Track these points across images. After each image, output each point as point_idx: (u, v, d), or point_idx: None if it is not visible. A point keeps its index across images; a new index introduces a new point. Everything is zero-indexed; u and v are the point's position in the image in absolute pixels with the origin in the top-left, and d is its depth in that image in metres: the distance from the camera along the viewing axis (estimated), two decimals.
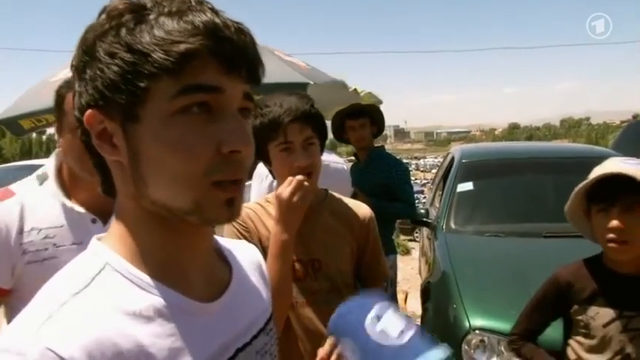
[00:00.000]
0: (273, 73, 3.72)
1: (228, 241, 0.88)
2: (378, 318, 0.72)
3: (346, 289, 1.65)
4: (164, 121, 0.63)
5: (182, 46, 0.61)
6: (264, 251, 1.58)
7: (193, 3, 0.64)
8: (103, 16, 0.65)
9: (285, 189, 1.47)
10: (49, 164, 1.60)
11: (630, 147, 6.46)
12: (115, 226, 0.71)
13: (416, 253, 7.97)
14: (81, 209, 1.53)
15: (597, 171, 1.58)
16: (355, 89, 4.23)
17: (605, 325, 1.53)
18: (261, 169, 1.71)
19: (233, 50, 0.64)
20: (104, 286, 0.64)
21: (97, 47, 0.64)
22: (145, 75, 0.61)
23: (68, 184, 1.56)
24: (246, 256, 0.89)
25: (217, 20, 0.63)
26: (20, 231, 1.45)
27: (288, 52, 4.67)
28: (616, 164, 1.56)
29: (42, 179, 1.59)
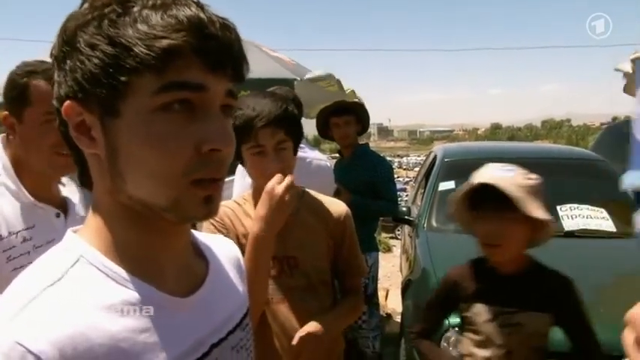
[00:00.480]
0: (259, 68, 3.72)
1: (205, 235, 0.88)
2: None
3: (322, 286, 1.67)
4: (144, 117, 0.62)
5: (165, 42, 0.59)
6: (241, 249, 1.58)
7: None
8: (86, 5, 0.64)
9: (278, 186, 1.46)
10: None
11: (609, 149, 6.57)
12: (91, 219, 0.70)
13: (397, 250, 8.02)
14: (45, 205, 1.48)
15: (475, 177, 1.68)
16: (339, 81, 4.24)
17: (488, 322, 1.64)
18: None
19: (218, 48, 0.63)
20: (77, 279, 0.63)
21: (77, 37, 0.62)
22: (127, 69, 0.60)
23: (25, 180, 1.46)
24: (223, 250, 0.89)
25: (202, 15, 0.62)
26: (0, 237, 1.37)
27: (273, 48, 4.67)
28: (491, 172, 1.65)
29: None
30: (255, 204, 1.67)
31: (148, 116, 0.62)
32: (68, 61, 0.63)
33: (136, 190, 0.65)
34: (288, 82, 3.67)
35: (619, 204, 3.70)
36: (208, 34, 0.62)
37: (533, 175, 1.66)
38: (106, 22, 0.61)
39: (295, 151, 1.64)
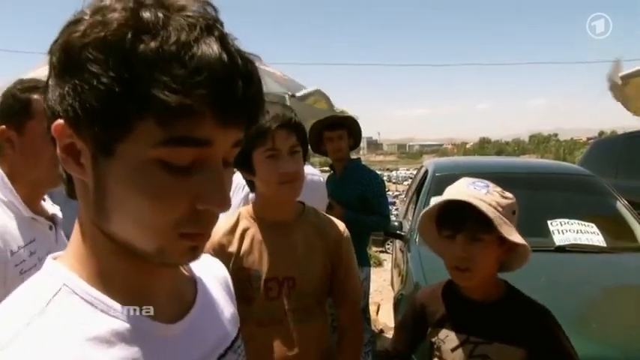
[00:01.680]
0: None
1: None
2: None
3: (318, 307, 1.64)
4: (142, 165, 0.57)
5: (181, 98, 0.53)
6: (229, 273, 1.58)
7: (201, 29, 0.56)
8: (98, 18, 0.56)
9: None
10: None
11: (597, 163, 6.64)
12: (73, 245, 0.66)
13: (388, 264, 8.00)
14: (40, 218, 1.50)
15: (446, 193, 1.54)
16: (327, 97, 4.27)
17: (453, 350, 1.50)
18: (238, 179, 1.69)
19: (237, 103, 0.57)
20: (61, 310, 0.59)
21: (82, 56, 0.55)
22: (132, 113, 0.55)
23: (20, 194, 1.46)
24: (211, 271, 0.86)
25: (226, 60, 0.55)
26: (12, 253, 1.38)
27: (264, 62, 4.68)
28: (464, 188, 1.50)
29: None
30: (258, 215, 1.66)
31: (145, 165, 0.57)
32: (67, 78, 0.57)
33: (120, 232, 0.61)
34: (279, 97, 3.68)
35: (609, 219, 3.73)
36: (229, 88, 0.56)
37: (508, 194, 1.50)
38: (118, 52, 0.54)
39: (304, 160, 1.63)
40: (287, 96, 3.91)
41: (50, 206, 1.62)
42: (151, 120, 0.55)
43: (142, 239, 0.61)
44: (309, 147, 3.93)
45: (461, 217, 1.46)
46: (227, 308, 0.84)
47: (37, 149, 1.43)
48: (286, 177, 1.53)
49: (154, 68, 0.53)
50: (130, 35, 0.54)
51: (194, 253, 0.64)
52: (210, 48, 0.55)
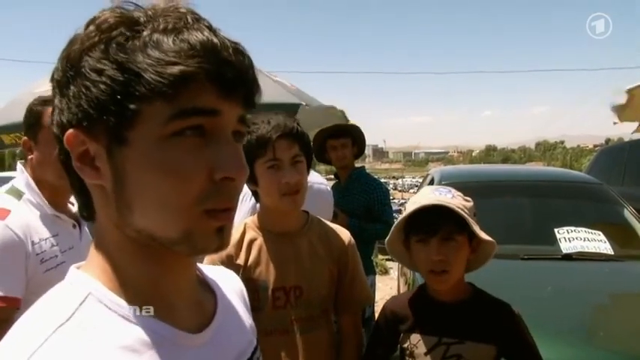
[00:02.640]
0: (265, 93, 3.74)
1: (209, 268, 0.85)
2: None
3: (323, 316, 1.65)
4: (156, 144, 0.59)
5: (177, 68, 0.56)
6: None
7: (190, 20, 0.60)
8: (92, 27, 0.60)
9: None
10: (19, 180, 1.72)
11: (605, 171, 6.61)
12: (95, 255, 0.66)
13: (394, 272, 7.97)
14: (64, 216, 1.72)
15: (414, 201, 1.58)
16: (343, 112, 4.29)
17: (427, 353, 1.53)
18: (244, 189, 1.70)
19: (232, 73, 0.60)
20: (88, 318, 0.60)
21: (83, 62, 0.59)
22: (137, 97, 0.57)
23: (45, 195, 1.68)
24: (228, 283, 0.86)
25: (216, 40, 0.59)
26: (33, 243, 1.57)
27: (267, 69, 4.70)
28: (430, 195, 1.56)
29: (17, 195, 1.68)
30: (263, 226, 1.67)
31: (159, 144, 0.59)
32: (72, 87, 0.60)
33: (144, 222, 0.61)
34: (293, 107, 3.68)
35: (616, 226, 3.70)
36: (222, 59, 0.59)
37: (468, 198, 1.58)
38: (113, 47, 0.58)
39: (308, 170, 1.63)
40: (301, 106, 3.91)
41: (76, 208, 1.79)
42: (156, 99, 0.57)
43: (167, 224, 0.61)
44: (314, 156, 3.95)
45: (433, 221, 1.51)
46: (246, 318, 0.85)
47: (48, 155, 1.63)
48: (288, 187, 1.53)
49: (148, 50, 0.57)
50: (123, 28, 0.58)
51: (221, 238, 0.64)
52: (200, 32, 0.59)
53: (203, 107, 0.59)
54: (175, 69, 0.56)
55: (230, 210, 0.64)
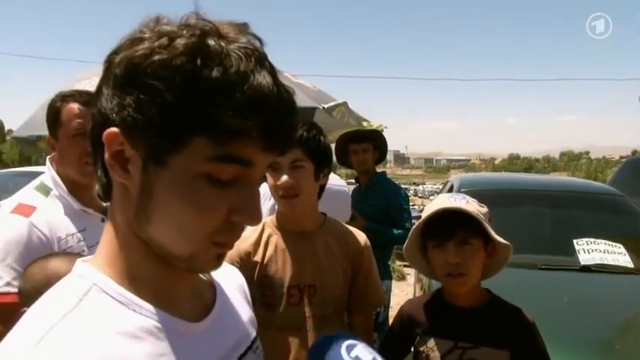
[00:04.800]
0: None
1: None
2: (352, 347, 0.78)
3: (336, 315, 1.68)
4: (192, 177, 0.62)
5: (237, 122, 0.59)
6: (254, 280, 1.63)
7: (255, 61, 0.62)
8: (164, 41, 0.60)
9: None
10: (46, 176, 1.72)
11: (628, 183, 6.49)
12: (103, 248, 0.70)
13: (411, 279, 7.96)
14: (91, 210, 1.72)
15: (430, 208, 1.62)
16: (349, 109, 4.31)
17: (443, 357, 1.56)
18: (265, 188, 1.75)
19: (282, 132, 0.64)
20: (92, 307, 0.63)
21: (146, 72, 0.60)
22: (189, 129, 0.60)
23: (72, 190, 1.69)
24: (228, 276, 0.90)
25: (275, 90, 0.62)
26: (59, 239, 1.58)
27: (291, 72, 4.74)
28: (446, 201, 1.60)
29: (45, 191, 1.70)
30: (280, 225, 1.71)
31: (194, 177, 0.62)
32: (128, 90, 0.61)
33: (157, 235, 0.65)
34: (308, 110, 3.71)
35: (637, 239, 3.66)
36: (279, 120, 0.63)
37: (483, 204, 1.62)
38: (184, 73, 0.59)
39: (317, 175, 1.65)
40: (318, 109, 3.94)
41: None
42: (205, 137, 0.60)
43: (178, 244, 0.65)
44: (335, 159, 3.98)
45: (449, 226, 1.55)
46: (245, 311, 0.89)
47: (66, 150, 1.65)
48: (282, 190, 1.58)
49: (216, 92, 0.59)
50: (199, 60, 0.59)
51: (218, 262, 0.70)
52: (265, 79, 0.61)
53: (244, 158, 0.63)
54: (236, 122, 0.59)
55: (232, 244, 0.70)
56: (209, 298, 0.80)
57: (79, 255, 1.39)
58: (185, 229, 0.64)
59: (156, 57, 0.60)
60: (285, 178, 1.57)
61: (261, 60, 0.63)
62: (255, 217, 0.67)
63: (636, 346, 2.49)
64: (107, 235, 0.70)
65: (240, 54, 0.61)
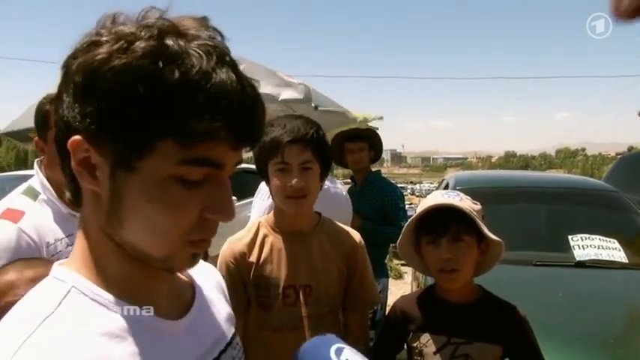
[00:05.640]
0: (274, 94, 3.78)
1: None
2: (340, 350, 0.79)
3: (331, 315, 1.68)
4: (162, 180, 0.62)
5: (203, 125, 0.59)
6: (249, 280, 1.63)
7: (216, 57, 0.61)
8: (122, 44, 0.59)
9: None
10: (34, 180, 1.70)
11: (623, 180, 6.50)
12: (78, 251, 0.69)
13: (408, 277, 7.97)
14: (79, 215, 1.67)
15: (424, 204, 1.64)
16: (365, 118, 4.32)
17: (436, 352, 1.57)
18: (265, 186, 1.75)
19: (249, 129, 0.65)
20: (72, 309, 0.63)
21: (107, 79, 0.58)
22: (155, 133, 0.59)
23: (60, 194, 1.66)
24: (206, 274, 0.90)
25: (238, 87, 0.62)
26: (47, 244, 1.57)
27: (287, 73, 4.73)
28: (440, 197, 1.61)
29: (33, 195, 1.68)
30: (277, 225, 1.71)
31: (164, 180, 0.62)
32: (90, 97, 0.60)
33: (131, 238, 0.65)
34: (300, 103, 3.71)
35: (631, 235, 3.68)
36: (244, 116, 0.62)
37: (477, 201, 1.63)
38: (145, 78, 0.58)
39: (322, 178, 1.65)
40: (306, 104, 3.95)
41: None
42: (172, 141, 0.60)
43: (152, 246, 0.66)
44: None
45: (443, 222, 1.57)
46: (223, 308, 0.89)
47: (56, 153, 1.59)
48: (292, 191, 1.57)
49: (179, 95, 0.58)
50: (159, 63, 0.58)
51: (194, 261, 0.70)
52: (227, 75, 0.61)
53: (212, 159, 0.63)
54: (202, 125, 0.59)
55: (208, 240, 0.69)
56: (188, 296, 0.80)
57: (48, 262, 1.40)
58: (158, 231, 0.64)
59: (115, 62, 0.58)
60: (295, 180, 1.56)
61: (222, 56, 0.62)
62: (228, 213, 0.67)
63: (631, 340, 2.51)
64: (81, 239, 0.70)
65: (200, 52, 0.60)
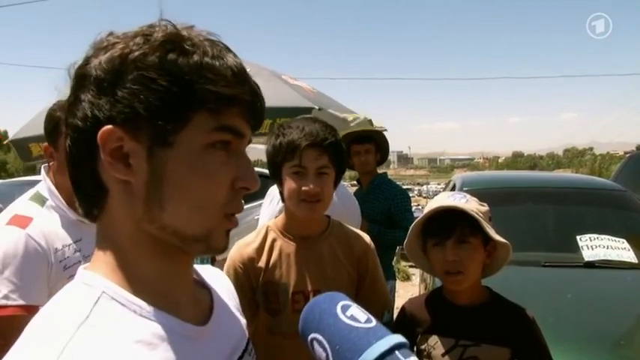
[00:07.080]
0: (280, 97, 3.79)
1: (201, 268, 0.90)
2: (346, 307, 0.77)
3: None
4: (200, 150, 0.66)
5: (230, 91, 0.66)
6: (258, 286, 1.63)
7: (222, 47, 0.70)
8: (138, 39, 0.65)
9: None
10: (42, 186, 1.71)
11: (631, 179, 6.46)
12: (103, 253, 0.69)
13: (416, 279, 7.95)
14: (87, 220, 1.67)
15: (430, 206, 1.63)
16: (369, 120, 4.32)
17: (444, 354, 1.57)
18: (274, 190, 1.74)
19: (258, 103, 0.71)
20: (104, 316, 0.63)
21: (132, 67, 0.63)
22: (189, 106, 0.65)
23: (70, 200, 1.66)
24: (218, 281, 0.91)
25: (243, 68, 0.70)
26: (56, 250, 1.57)
27: (294, 76, 4.76)
28: (445, 199, 1.60)
29: (40, 201, 1.69)
30: (286, 228, 1.69)
31: (200, 150, 0.66)
32: (119, 87, 0.63)
33: (172, 219, 0.66)
34: (306, 111, 3.72)
35: None
36: (252, 90, 0.70)
37: (484, 203, 1.63)
38: (169, 61, 0.64)
39: (336, 184, 1.64)
40: (314, 110, 3.96)
41: None
42: (203, 110, 0.66)
43: (194, 222, 0.68)
44: None
45: (448, 224, 1.56)
46: (237, 314, 0.90)
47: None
48: (307, 195, 1.55)
49: (202, 69, 0.65)
50: (174, 48, 0.65)
51: (228, 238, 0.73)
52: (233, 59, 0.69)
53: (237, 128, 0.69)
54: (228, 91, 0.66)
55: (236, 220, 0.73)
56: (207, 301, 0.81)
57: None
58: (201, 204, 0.67)
59: (139, 51, 0.64)
60: (312, 185, 1.54)
61: (226, 47, 0.70)
62: (255, 182, 0.72)
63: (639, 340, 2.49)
64: (105, 242, 0.70)
65: (207, 43, 0.68)
